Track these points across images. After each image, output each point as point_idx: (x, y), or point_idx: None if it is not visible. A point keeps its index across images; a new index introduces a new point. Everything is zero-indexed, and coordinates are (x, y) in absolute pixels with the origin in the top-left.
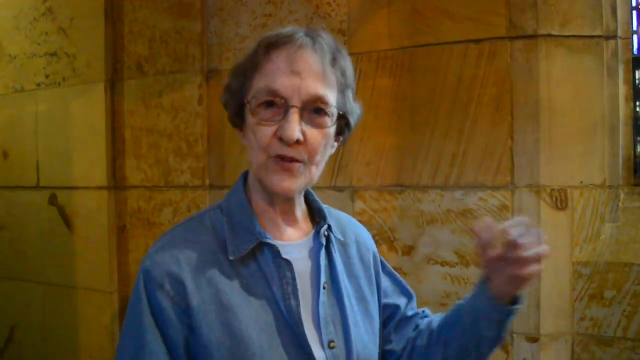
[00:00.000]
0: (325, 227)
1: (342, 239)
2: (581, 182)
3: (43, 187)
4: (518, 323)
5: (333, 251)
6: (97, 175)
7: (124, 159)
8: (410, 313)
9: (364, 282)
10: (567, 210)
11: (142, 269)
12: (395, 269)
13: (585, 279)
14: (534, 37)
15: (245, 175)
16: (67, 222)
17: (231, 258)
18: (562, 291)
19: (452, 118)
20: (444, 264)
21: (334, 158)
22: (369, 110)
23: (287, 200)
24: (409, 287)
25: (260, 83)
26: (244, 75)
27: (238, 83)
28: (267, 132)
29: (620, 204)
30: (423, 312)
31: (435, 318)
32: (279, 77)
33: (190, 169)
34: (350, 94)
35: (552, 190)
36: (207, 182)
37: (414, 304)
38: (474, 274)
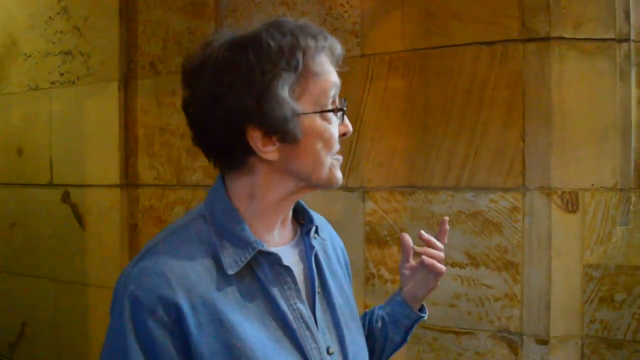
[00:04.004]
0: (314, 228)
1: (324, 239)
2: (592, 185)
3: (56, 185)
4: (527, 325)
5: (319, 253)
6: (109, 173)
7: (137, 157)
8: None
9: (344, 281)
10: (577, 212)
11: (126, 294)
12: None
13: (596, 281)
14: (546, 39)
15: (222, 180)
16: (80, 219)
17: (229, 272)
18: (572, 293)
19: (463, 119)
20: (454, 264)
21: (345, 158)
22: (381, 111)
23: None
24: None
25: (320, 84)
26: (296, 83)
27: (282, 92)
28: (336, 133)
29: (631, 206)
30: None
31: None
32: (331, 73)
33: (202, 168)
34: None
35: (563, 192)
36: None
37: None
38: (484, 275)
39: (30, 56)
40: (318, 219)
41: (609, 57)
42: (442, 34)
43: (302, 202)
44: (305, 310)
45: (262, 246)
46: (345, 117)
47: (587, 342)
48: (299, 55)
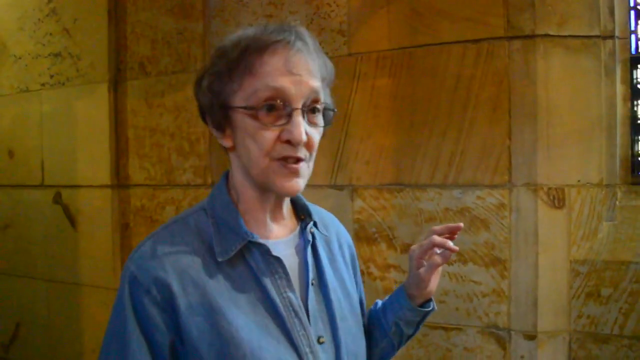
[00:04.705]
0: (311, 223)
1: (326, 235)
2: (578, 181)
3: (47, 186)
4: (515, 320)
5: (318, 247)
6: (100, 174)
7: (127, 157)
8: None
9: (346, 277)
10: (564, 208)
11: (127, 275)
12: (394, 266)
13: (582, 276)
14: (531, 37)
15: (226, 176)
16: (71, 220)
17: (219, 259)
18: (559, 289)
19: (450, 117)
20: None
21: (333, 156)
22: (368, 110)
23: (279, 199)
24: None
25: (255, 84)
26: (229, 77)
27: (220, 84)
28: (270, 136)
29: (617, 202)
30: (369, 312)
31: (372, 312)
32: (278, 76)
33: (192, 168)
34: (328, 90)
35: (550, 188)
36: (209, 181)
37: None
38: (471, 271)
39: (20, 58)
40: (323, 215)
41: (594, 54)
42: (428, 32)
43: (303, 199)
44: (295, 299)
45: (253, 237)
46: (294, 125)
47: (574, 337)
48: (237, 54)
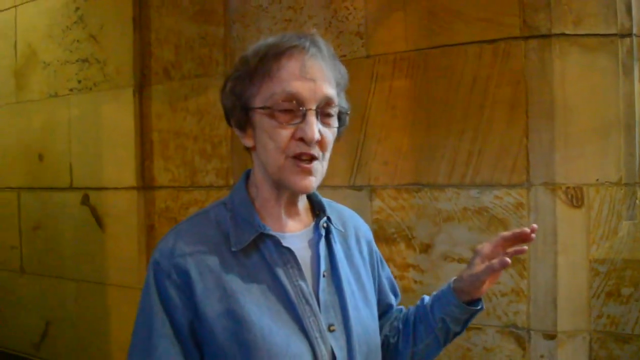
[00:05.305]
0: (324, 218)
1: (342, 230)
2: (597, 180)
3: (76, 188)
4: (535, 320)
5: (333, 241)
6: (126, 176)
7: (152, 160)
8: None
9: (363, 271)
10: (583, 207)
11: (152, 261)
12: (413, 266)
13: (602, 276)
14: (547, 36)
15: (247, 174)
16: (99, 221)
17: (233, 249)
18: (578, 288)
19: (467, 117)
20: (460, 260)
21: (352, 157)
22: (386, 111)
23: (293, 195)
24: (397, 285)
25: (273, 88)
26: (250, 81)
27: (242, 87)
28: (285, 133)
29: (637, 201)
30: (401, 310)
31: (408, 312)
32: (293, 81)
33: (215, 170)
34: (343, 94)
35: (568, 187)
36: (231, 182)
37: (398, 301)
38: None
39: (49, 64)
40: (341, 212)
41: (611, 52)
42: (444, 33)
43: (319, 196)
44: (306, 287)
45: (265, 229)
46: (307, 124)
47: (595, 337)
48: (257, 60)
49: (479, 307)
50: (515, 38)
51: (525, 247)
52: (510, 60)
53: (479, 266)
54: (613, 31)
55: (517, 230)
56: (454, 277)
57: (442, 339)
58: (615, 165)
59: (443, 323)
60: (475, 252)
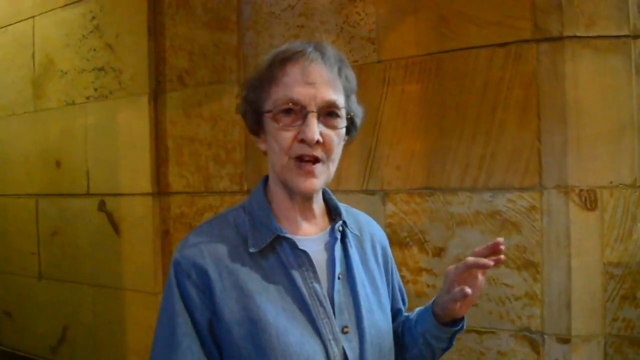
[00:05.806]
0: (340, 222)
1: (358, 235)
2: (611, 182)
3: (92, 194)
4: (549, 323)
5: (348, 244)
6: (142, 182)
7: (167, 166)
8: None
9: (377, 276)
10: (596, 210)
11: (173, 261)
12: (426, 270)
13: (617, 279)
14: (559, 38)
15: (265, 179)
16: (115, 226)
17: (251, 250)
18: (593, 292)
19: (479, 121)
20: None
21: (365, 162)
22: (398, 115)
23: (306, 198)
24: (405, 292)
25: (278, 93)
26: (260, 87)
27: (254, 94)
28: (288, 136)
29: None
30: (407, 316)
31: (408, 318)
32: (295, 87)
33: (229, 175)
34: (354, 97)
35: (581, 190)
36: (245, 187)
37: (405, 307)
38: (504, 274)
39: (66, 73)
40: (358, 217)
41: (624, 53)
42: (455, 37)
43: (336, 201)
44: (320, 290)
45: (281, 232)
46: (307, 125)
47: (609, 341)
48: (267, 68)
49: (458, 327)
50: (527, 41)
51: (491, 263)
52: (522, 63)
53: (448, 292)
54: (625, 32)
55: (490, 243)
56: (434, 298)
57: (428, 353)
58: (629, 167)
59: (424, 339)
60: (445, 275)
